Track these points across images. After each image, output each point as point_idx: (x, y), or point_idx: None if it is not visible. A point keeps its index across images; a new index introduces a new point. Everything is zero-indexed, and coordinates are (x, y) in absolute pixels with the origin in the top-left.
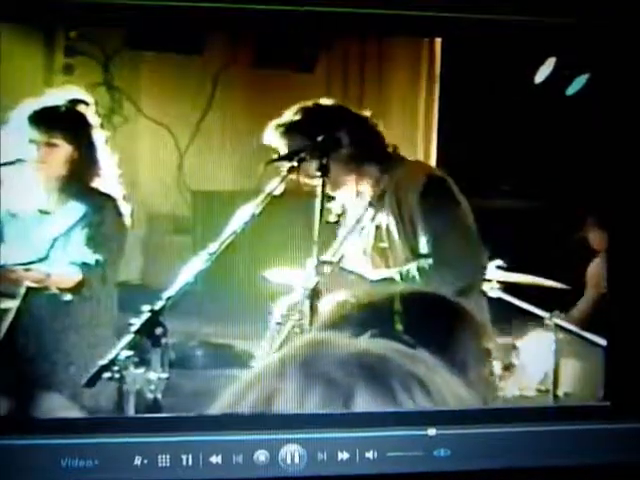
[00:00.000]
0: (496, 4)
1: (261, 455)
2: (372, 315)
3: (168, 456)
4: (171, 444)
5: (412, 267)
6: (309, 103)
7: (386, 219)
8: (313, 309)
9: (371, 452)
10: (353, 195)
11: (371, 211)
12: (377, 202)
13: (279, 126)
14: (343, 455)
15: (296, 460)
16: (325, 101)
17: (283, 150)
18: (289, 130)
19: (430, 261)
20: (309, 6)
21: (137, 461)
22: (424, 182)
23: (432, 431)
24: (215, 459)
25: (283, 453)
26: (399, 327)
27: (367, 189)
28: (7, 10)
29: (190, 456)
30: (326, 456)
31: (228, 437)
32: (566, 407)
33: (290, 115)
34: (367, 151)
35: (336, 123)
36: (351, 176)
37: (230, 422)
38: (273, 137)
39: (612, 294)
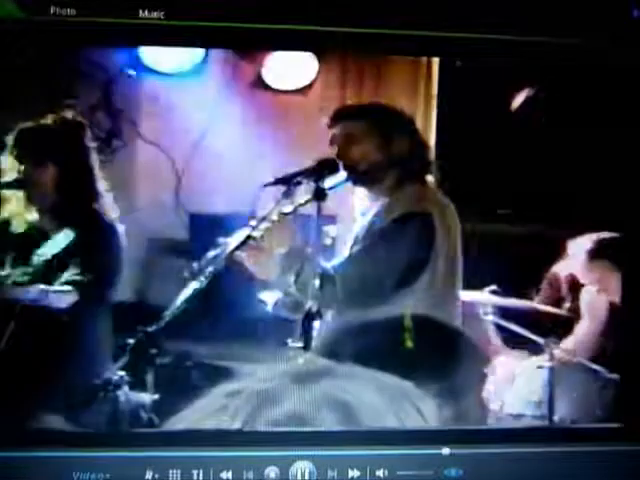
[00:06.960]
0: (497, 23)
1: (272, 471)
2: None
3: (179, 471)
4: (182, 459)
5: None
6: None
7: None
8: (308, 332)
9: (382, 470)
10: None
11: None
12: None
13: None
14: (354, 473)
15: (306, 477)
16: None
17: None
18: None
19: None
20: (308, 25)
21: (148, 475)
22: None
23: (446, 450)
24: (226, 475)
25: (294, 470)
26: (409, 343)
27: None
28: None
29: (201, 471)
30: (336, 473)
31: (239, 453)
32: (579, 429)
33: None
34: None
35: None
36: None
37: (241, 438)
38: None
39: (620, 316)
